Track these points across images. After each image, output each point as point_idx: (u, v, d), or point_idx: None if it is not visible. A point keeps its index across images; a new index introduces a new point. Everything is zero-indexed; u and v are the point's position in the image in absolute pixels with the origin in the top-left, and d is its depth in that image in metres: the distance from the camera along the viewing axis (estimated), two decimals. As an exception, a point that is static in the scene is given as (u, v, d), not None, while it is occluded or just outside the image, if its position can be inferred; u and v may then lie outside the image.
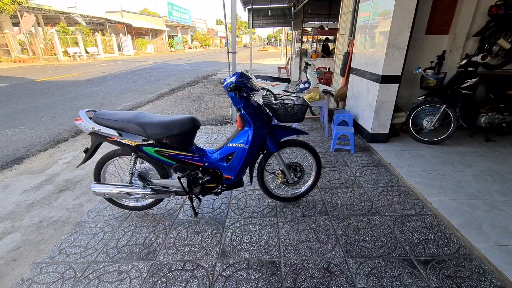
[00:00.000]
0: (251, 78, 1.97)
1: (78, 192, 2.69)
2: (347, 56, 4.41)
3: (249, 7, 12.01)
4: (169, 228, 2.12)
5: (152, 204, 2.31)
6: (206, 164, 2.08)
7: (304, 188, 2.39)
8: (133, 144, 1.90)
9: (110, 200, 2.25)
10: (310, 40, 11.42)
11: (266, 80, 5.46)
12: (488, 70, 3.74)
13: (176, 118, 1.97)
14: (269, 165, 2.29)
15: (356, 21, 4.15)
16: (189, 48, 42.26)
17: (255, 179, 2.25)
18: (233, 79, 1.90)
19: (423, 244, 1.87)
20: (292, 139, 2.28)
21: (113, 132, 1.87)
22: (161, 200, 2.35)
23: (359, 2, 4.01)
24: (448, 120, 3.43)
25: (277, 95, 5.21)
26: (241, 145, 2.05)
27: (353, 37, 4.31)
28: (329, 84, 6.84)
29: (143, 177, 2.05)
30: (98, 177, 2.15)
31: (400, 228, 2.02)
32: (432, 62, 3.73)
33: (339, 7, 5.36)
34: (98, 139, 1.98)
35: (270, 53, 32.61)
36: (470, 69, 3.24)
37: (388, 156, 3.16)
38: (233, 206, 2.39)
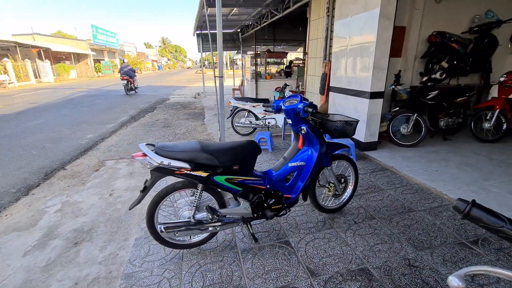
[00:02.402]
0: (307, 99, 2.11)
1: (100, 241, 2.30)
2: (325, 77, 4.96)
3: (198, 32, 12.20)
4: (238, 260, 2.01)
5: (205, 240, 2.15)
6: (268, 186, 2.09)
7: (346, 197, 2.58)
8: (205, 175, 1.80)
9: (161, 240, 2.01)
10: (263, 62, 12.14)
11: (247, 102, 5.63)
12: (436, 84, 4.71)
13: (240, 143, 1.95)
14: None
15: (330, 46, 4.74)
16: (118, 72, 39.49)
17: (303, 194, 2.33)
18: (296, 100, 2.02)
19: (462, 228, 2.24)
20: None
21: (183, 165, 1.74)
22: (216, 233, 2.21)
23: (331, 31, 4.61)
24: (419, 126, 4.16)
25: (258, 115, 5.42)
26: (302, 163, 2.14)
27: (329, 60, 4.89)
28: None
29: (213, 209, 1.93)
30: (152, 218, 1.91)
31: (438, 219, 2.38)
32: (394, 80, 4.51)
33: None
34: (161, 174, 1.80)
35: (210, 75, 33.02)
36: (430, 84, 4.05)
37: (386, 161, 3.64)
38: (286, 225, 2.40)
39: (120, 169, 3.90)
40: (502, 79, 4.22)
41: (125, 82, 12.98)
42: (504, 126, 4.17)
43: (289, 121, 2.12)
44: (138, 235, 2.35)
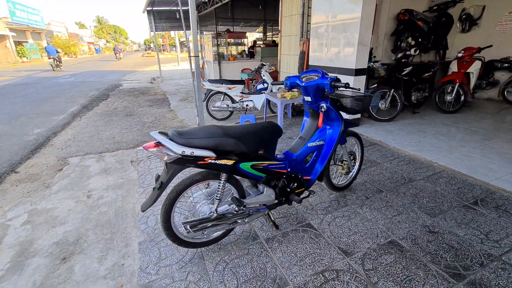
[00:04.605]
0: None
1: (95, 252, 1.94)
2: (304, 55, 4.87)
3: (148, 8, 11.01)
4: (265, 250, 1.87)
5: (224, 235, 1.96)
6: (289, 170, 1.96)
7: (353, 173, 2.58)
8: (231, 163, 1.59)
9: (179, 241, 1.75)
10: (223, 43, 11.56)
11: (222, 84, 5.30)
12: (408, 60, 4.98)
13: (262, 125, 1.76)
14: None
15: (308, 23, 4.63)
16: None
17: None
18: (317, 76, 1.88)
19: (461, 191, 2.43)
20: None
21: (208, 153, 1.50)
22: (233, 228, 2.02)
23: (309, 7, 4.49)
24: (395, 102, 4.39)
25: (235, 98, 5.18)
26: (322, 142, 2.05)
27: (307, 38, 4.80)
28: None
29: (240, 200, 1.73)
30: (169, 217, 1.64)
31: (438, 186, 2.54)
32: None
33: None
34: (181, 166, 1.53)
35: (162, 59, 30.64)
36: (404, 60, 4.26)
37: (372, 135, 3.78)
38: (301, 208, 2.32)
39: (89, 166, 3.36)
40: (460, 54, 4.65)
41: (51, 60, 15.81)
42: (462, 98, 4.65)
43: (308, 98, 1.97)
44: (140, 239, 2.04)
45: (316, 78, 1.88)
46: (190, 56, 4.27)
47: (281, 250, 1.86)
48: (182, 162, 1.48)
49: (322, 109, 1.95)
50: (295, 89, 2.11)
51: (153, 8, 11.10)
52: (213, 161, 1.53)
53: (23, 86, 10.45)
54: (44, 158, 3.65)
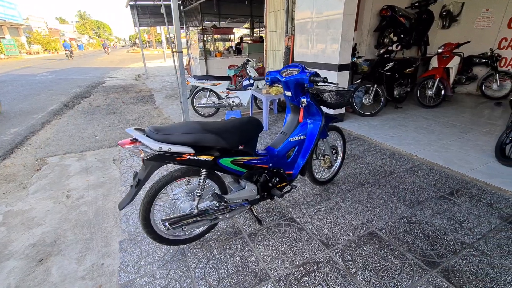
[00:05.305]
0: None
1: (73, 252, 1.89)
2: (289, 51, 4.87)
3: (132, 3, 10.73)
4: (248, 245, 1.88)
5: (206, 231, 1.95)
6: (271, 165, 1.96)
7: (336, 167, 2.62)
8: (211, 158, 1.58)
9: (160, 239, 1.73)
10: (210, 39, 11.41)
11: (207, 80, 5.24)
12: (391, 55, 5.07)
13: (243, 120, 1.76)
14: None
15: (292, 19, 4.63)
16: (27, 53, 32.49)
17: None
18: (297, 70, 1.88)
19: (438, 183, 2.51)
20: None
21: (187, 149, 1.48)
22: (216, 224, 2.01)
23: (293, 2, 4.49)
24: (378, 97, 4.47)
25: (221, 94, 5.14)
26: (303, 137, 2.06)
27: (292, 33, 4.80)
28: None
29: (221, 196, 1.72)
30: (148, 215, 1.62)
31: (417, 178, 2.62)
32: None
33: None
34: (159, 163, 1.51)
35: (148, 55, 30.00)
36: (386, 56, 4.33)
37: (356, 130, 3.85)
38: (284, 203, 2.34)
39: (69, 166, 3.26)
40: (440, 50, 4.77)
41: (67, 52, 22.34)
42: (442, 93, 4.78)
43: (288, 93, 1.98)
44: (121, 238, 2.00)
45: (296, 73, 1.89)
46: (173, 52, 4.19)
47: (263, 245, 1.87)
48: (160, 158, 1.46)
49: (303, 104, 1.96)
50: (277, 84, 2.11)
51: (137, 3, 10.83)
52: (192, 157, 1.51)
53: (1, 84, 10.01)
54: (21, 158, 3.52)
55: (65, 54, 24.41)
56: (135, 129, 1.45)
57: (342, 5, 3.51)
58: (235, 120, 1.74)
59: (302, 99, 1.94)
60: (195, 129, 1.52)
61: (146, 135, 1.43)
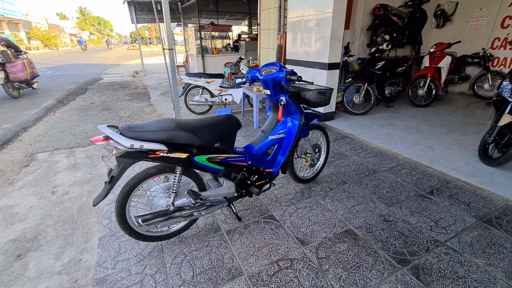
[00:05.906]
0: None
1: (53, 248, 1.92)
2: (281, 49, 4.87)
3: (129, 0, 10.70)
4: (225, 242, 1.91)
5: (186, 227, 1.97)
6: (249, 162, 1.98)
7: (319, 165, 2.64)
8: (185, 156, 1.59)
9: (136, 235, 1.75)
10: (207, 36, 11.38)
11: (200, 77, 5.25)
12: (382, 54, 5.07)
13: (220, 118, 1.77)
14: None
15: (285, 17, 4.63)
16: (27, 49, 32.49)
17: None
18: (275, 69, 1.89)
19: (420, 182, 2.53)
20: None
21: (159, 146, 1.50)
22: (196, 220, 2.04)
23: (285, 0, 4.48)
24: (368, 96, 4.48)
25: (214, 92, 5.15)
26: (282, 135, 2.08)
27: (284, 32, 4.80)
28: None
29: (196, 193, 1.74)
30: (123, 211, 1.64)
31: (398, 176, 2.64)
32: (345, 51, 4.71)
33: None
34: (131, 160, 1.52)
35: (148, 52, 29.90)
36: (377, 55, 4.33)
37: (344, 129, 3.86)
38: (266, 200, 2.36)
39: (58, 162, 3.28)
40: (431, 49, 4.77)
41: (82, 46, 31.19)
42: (434, 92, 4.79)
43: (267, 91, 1.99)
44: (101, 234, 2.03)
45: (274, 71, 1.90)
46: (164, 49, 4.19)
47: (240, 242, 1.90)
48: (133, 155, 1.48)
49: (281, 102, 1.97)
50: (257, 82, 2.12)
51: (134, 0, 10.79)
52: (165, 155, 1.53)
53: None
54: (10, 154, 3.54)
55: (81, 48, 32.23)
56: (108, 126, 1.46)
57: (332, 3, 3.51)
58: (212, 117, 1.75)
59: (281, 98, 1.96)
60: (169, 127, 1.53)
61: (119, 133, 1.44)
